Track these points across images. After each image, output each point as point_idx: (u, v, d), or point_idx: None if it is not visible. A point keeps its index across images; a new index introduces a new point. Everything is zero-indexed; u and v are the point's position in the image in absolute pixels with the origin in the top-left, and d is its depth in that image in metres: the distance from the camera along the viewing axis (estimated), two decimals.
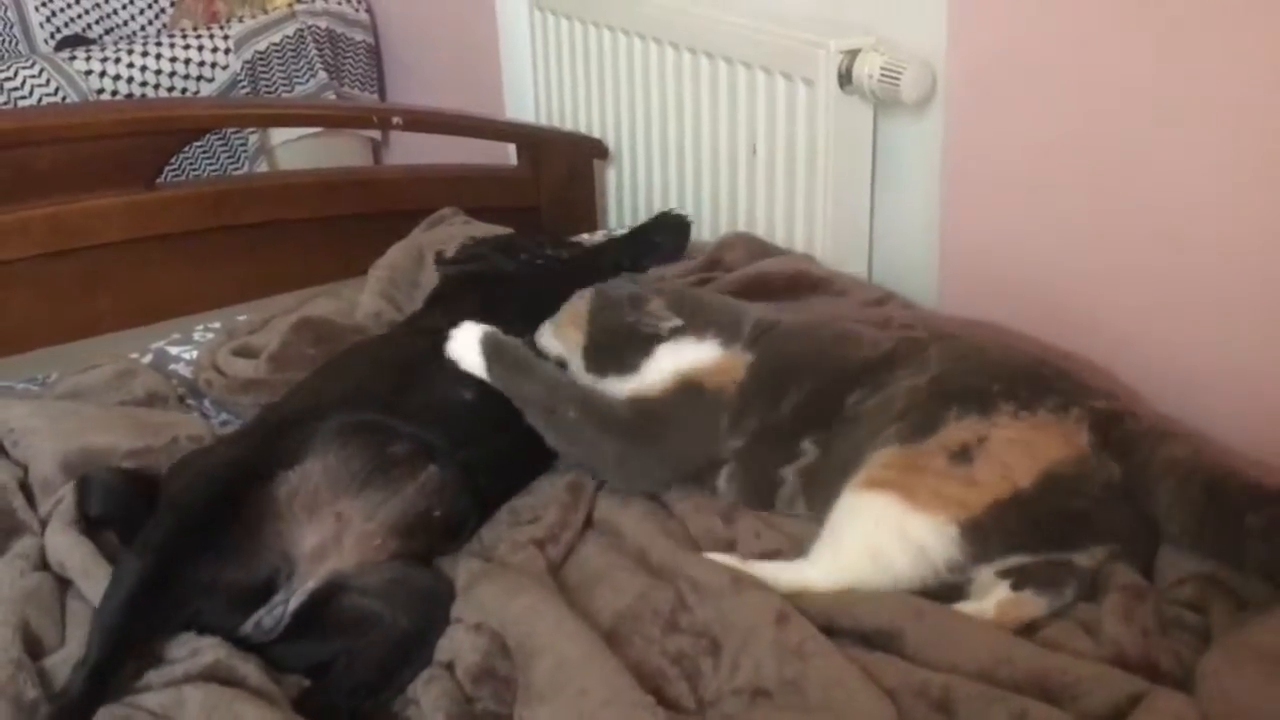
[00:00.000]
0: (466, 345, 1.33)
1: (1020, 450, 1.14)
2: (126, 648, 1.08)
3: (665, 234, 1.93)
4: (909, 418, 1.19)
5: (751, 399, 1.31)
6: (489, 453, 1.31)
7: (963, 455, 1.14)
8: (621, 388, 1.35)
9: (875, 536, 1.13)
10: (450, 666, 1.11)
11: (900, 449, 1.17)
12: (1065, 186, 1.58)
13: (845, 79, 1.76)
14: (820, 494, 1.24)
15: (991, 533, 1.12)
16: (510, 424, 1.32)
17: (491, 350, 1.33)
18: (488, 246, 1.73)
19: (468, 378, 1.34)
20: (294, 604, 1.17)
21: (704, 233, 2.16)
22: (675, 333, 1.35)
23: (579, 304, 1.42)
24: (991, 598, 1.12)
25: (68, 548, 1.21)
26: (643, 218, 2.34)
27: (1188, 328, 1.48)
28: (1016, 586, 1.12)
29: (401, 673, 1.13)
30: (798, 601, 1.09)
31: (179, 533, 1.15)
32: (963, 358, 1.27)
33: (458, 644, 1.13)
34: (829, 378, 1.29)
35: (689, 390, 1.32)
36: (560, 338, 1.41)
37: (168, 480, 1.28)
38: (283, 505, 1.19)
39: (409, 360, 1.43)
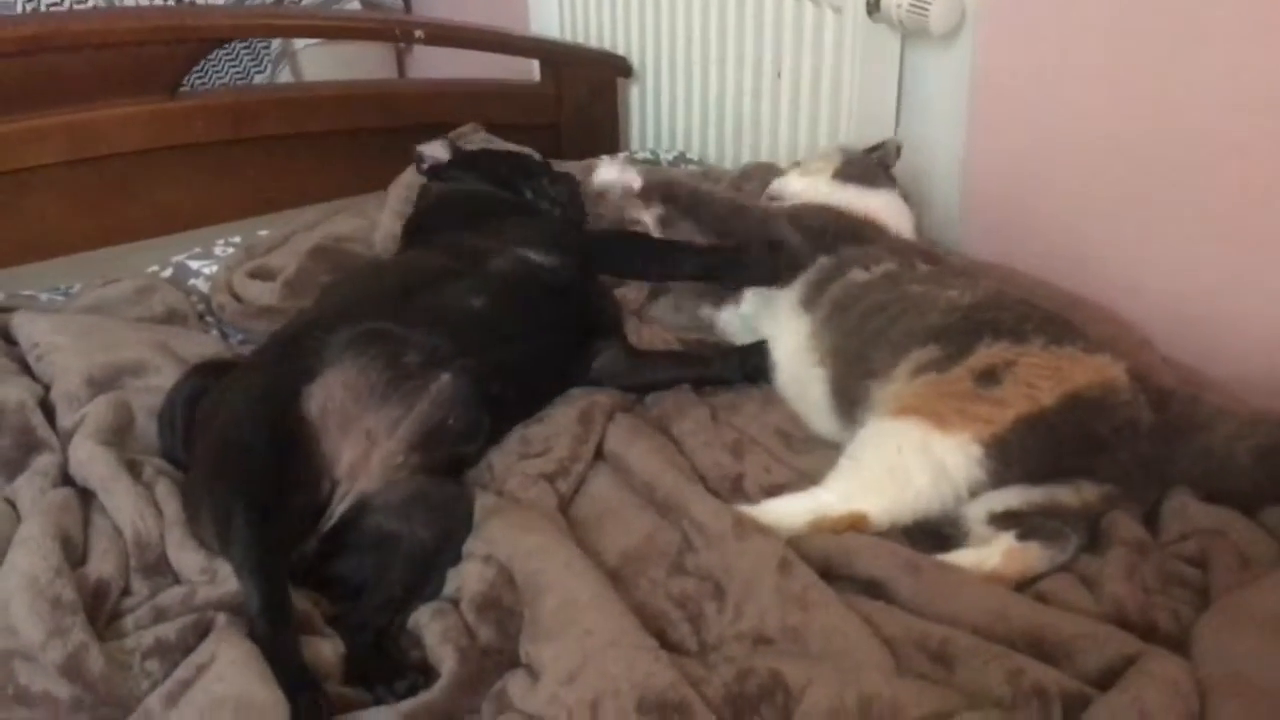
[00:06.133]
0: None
1: (1047, 374, 1.17)
2: (280, 576, 1.10)
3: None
4: (944, 344, 1.22)
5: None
6: (499, 361, 1.32)
7: (990, 377, 1.17)
8: (853, 197, 1.57)
9: (896, 456, 1.16)
10: (457, 603, 1.12)
11: (936, 376, 1.20)
12: (1094, 122, 1.56)
13: (874, 7, 1.73)
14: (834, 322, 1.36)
15: (1014, 449, 1.14)
16: (521, 334, 1.35)
17: None
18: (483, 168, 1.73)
19: (478, 287, 1.36)
20: (326, 526, 1.19)
21: (726, 155, 2.15)
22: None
23: (821, 155, 1.72)
24: (996, 546, 1.13)
25: (90, 460, 1.23)
26: (665, 138, 2.33)
27: (1213, 269, 1.47)
28: (1023, 537, 1.13)
29: (423, 587, 1.15)
30: (798, 547, 1.10)
31: (252, 472, 1.16)
32: (1001, 296, 1.32)
33: (464, 575, 1.14)
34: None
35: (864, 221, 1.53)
36: (810, 173, 1.65)
37: (205, 422, 1.27)
38: (319, 424, 1.21)
39: (413, 269, 1.46)
